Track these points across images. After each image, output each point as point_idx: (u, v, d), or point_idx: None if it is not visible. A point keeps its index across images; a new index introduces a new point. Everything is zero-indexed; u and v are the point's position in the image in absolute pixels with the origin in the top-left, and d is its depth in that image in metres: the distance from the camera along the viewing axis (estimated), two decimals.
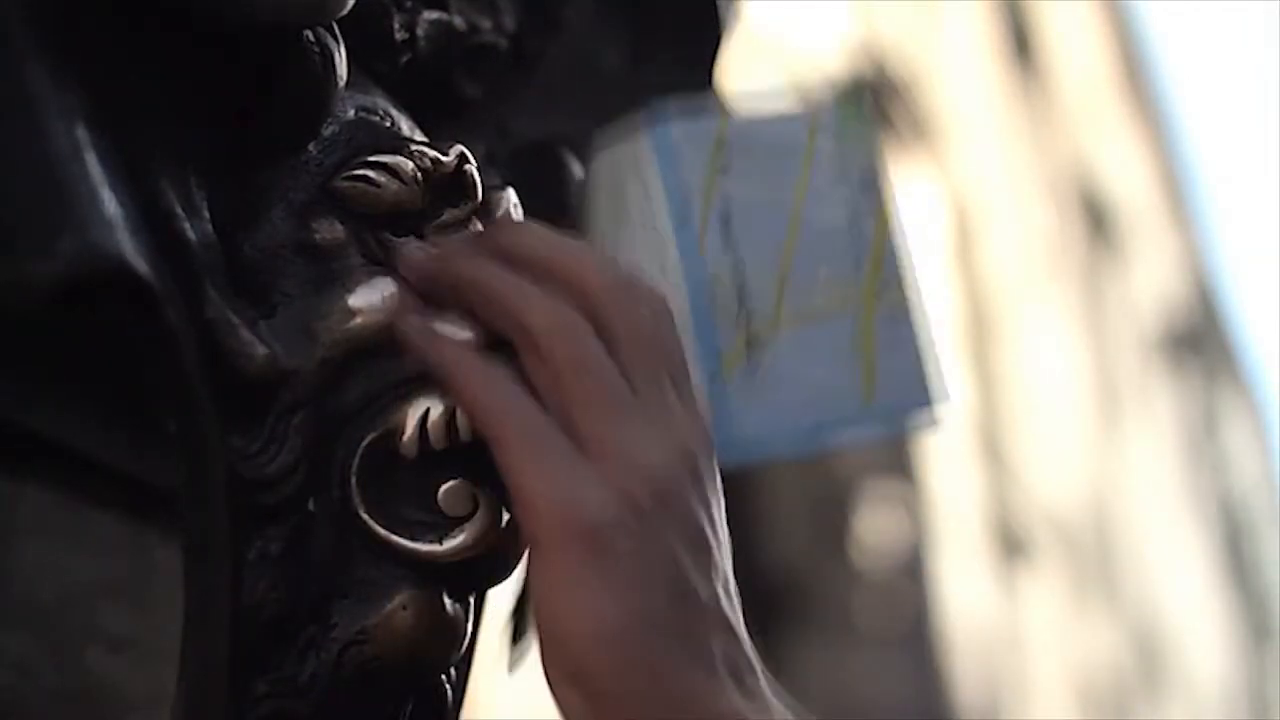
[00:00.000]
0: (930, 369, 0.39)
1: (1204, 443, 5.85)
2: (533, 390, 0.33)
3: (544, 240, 0.35)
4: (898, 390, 0.38)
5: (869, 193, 0.39)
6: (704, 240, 0.37)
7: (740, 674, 0.31)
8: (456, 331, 0.34)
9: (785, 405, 0.37)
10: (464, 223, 0.36)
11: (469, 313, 0.34)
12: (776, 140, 0.39)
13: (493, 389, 0.33)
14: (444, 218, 0.36)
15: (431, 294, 0.34)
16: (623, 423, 0.32)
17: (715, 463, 0.34)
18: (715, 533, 0.32)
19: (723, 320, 0.37)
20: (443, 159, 0.35)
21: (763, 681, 0.32)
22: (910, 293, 0.39)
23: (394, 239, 0.35)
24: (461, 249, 0.35)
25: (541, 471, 0.32)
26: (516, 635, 0.43)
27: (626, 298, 0.33)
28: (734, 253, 0.37)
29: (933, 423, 0.39)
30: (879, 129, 0.39)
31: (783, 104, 0.40)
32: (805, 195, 0.38)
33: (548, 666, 0.32)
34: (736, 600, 0.32)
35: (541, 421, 0.32)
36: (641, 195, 0.38)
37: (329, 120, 0.35)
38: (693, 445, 0.33)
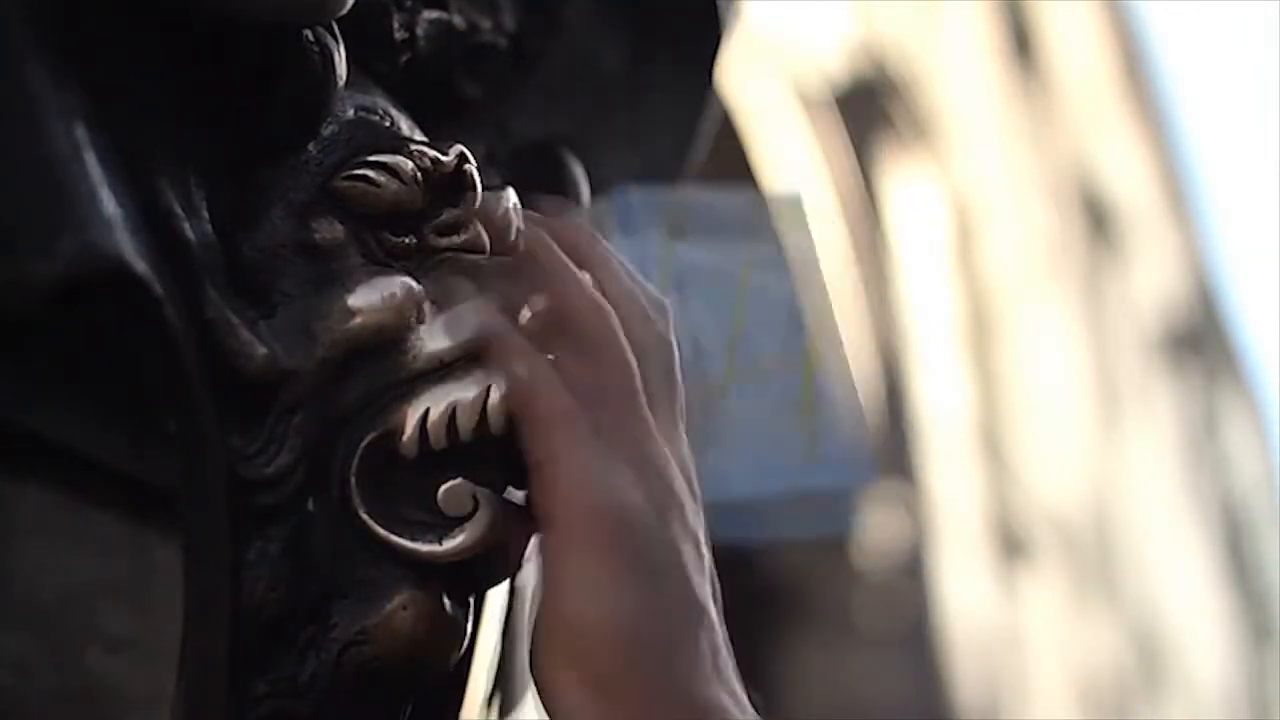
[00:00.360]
0: (864, 440, 0.43)
1: (1204, 443, 5.85)
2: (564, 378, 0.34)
3: (590, 247, 0.36)
4: (838, 452, 0.41)
5: (806, 284, 0.42)
6: None
7: (723, 670, 0.32)
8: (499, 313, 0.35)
9: (734, 453, 0.40)
10: (464, 223, 0.36)
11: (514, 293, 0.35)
12: (727, 217, 0.42)
13: (537, 370, 0.33)
14: (444, 217, 0.36)
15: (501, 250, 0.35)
16: (647, 430, 0.33)
17: (699, 498, 0.35)
18: (707, 548, 0.34)
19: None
20: (442, 159, 0.35)
21: (736, 678, 0.33)
22: (845, 372, 0.42)
23: (394, 238, 0.35)
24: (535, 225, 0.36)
25: (571, 453, 0.32)
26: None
27: (654, 309, 0.35)
28: (687, 314, 0.40)
29: (868, 486, 0.43)
30: (812, 235, 0.43)
31: (732, 194, 0.43)
32: (749, 277, 0.41)
33: (547, 649, 0.32)
34: (719, 615, 0.33)
35: (577, 408, 0.33)
36: None
37: (328, 120, 0.35)
38: (693, 470, 0.34)
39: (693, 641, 0.31)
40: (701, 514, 0.34)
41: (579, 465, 0.32)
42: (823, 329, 0.42)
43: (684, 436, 0.34)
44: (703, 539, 0.33)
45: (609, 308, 0.34)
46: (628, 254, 0.38)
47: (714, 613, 0.33)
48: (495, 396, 0.34)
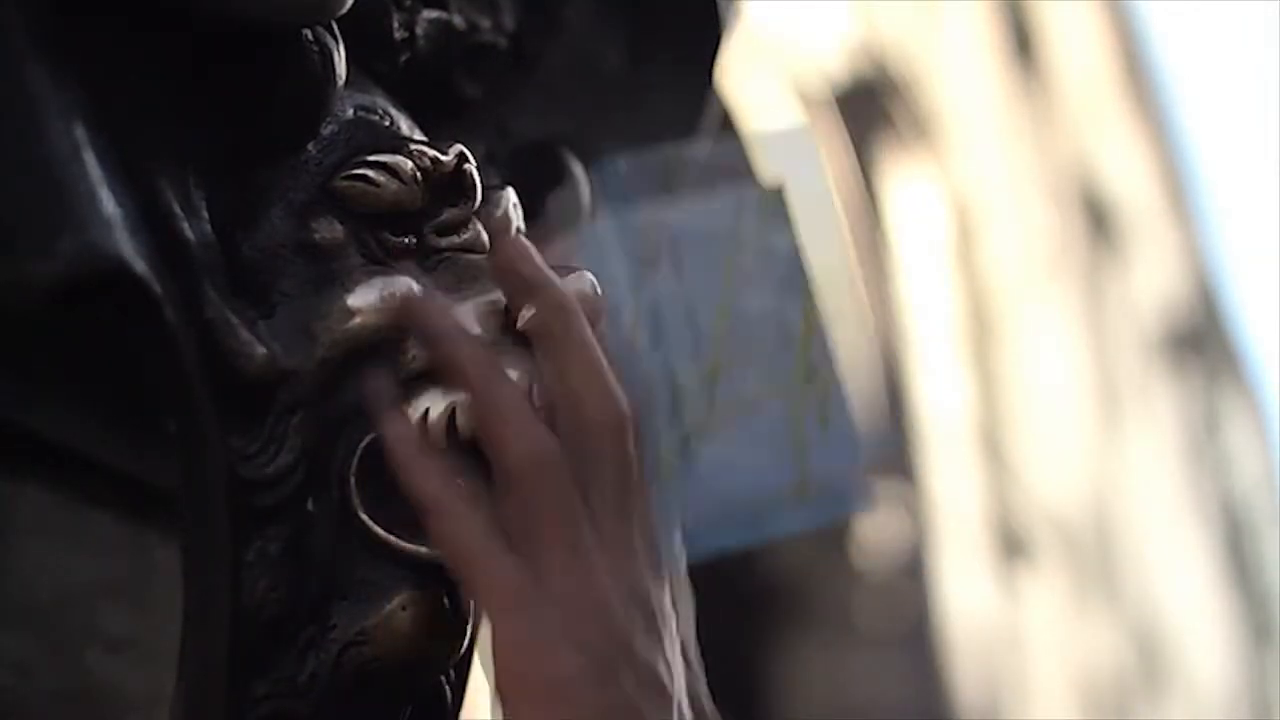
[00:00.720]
0: (860, 460, 0.40)
1: (1205, 443, 5.84)
2: (501, 520, 0.33)
3: (541, 302, 0.35)
4: (830, 479, 0.40)
5: (794, 291, 0.40)
6: (635, 338, 0.39)
7: None
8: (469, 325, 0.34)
9: (720, 502, 0.39)
10: (463, 222, 0.36)
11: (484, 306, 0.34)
12: (702, 235, 0.40)
13: (469, 535, 0.33)
14: (443, 217, 0.36)
15: (431, 355, 0.34)
16: (587, 569, 0.33)
17: (670, 586, 0.34)
18: (670, 667, 0.33)
19: (658, 420, 0.38)
20: (442, 158, 0.35)
21: None
22: (838, 385, 0.40)
23: (393, 238, 0.35)
24: (460, 332, 0.34)
25: (508, 630, 0.33)
26: None
27: (607, 422, 0.34)
28: (664, 351, 0.38)
29: (867, 507, 0.41)
30: (798, 229, 0.41)
31: (710, 201, 0.41)
32: (731, 296, 0.40)
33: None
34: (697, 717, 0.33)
35: (509, 567, 0.33)
36: None
37: (328, 120, 0.35)
38: (648, 583, 0.34)
39: None
40: (668, 630, 0.34)
41: (515, 644, 0.32)
42: (815, 333, 0.40)
43: (646, 550, 0.34)
44: (663, 662, 0.33)
45: (543, 443, 0.33)
46: (615, 225, 0.37)
47: None
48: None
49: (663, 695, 0.33)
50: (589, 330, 0.35)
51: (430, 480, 0.34)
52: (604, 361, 0.34)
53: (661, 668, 0.33)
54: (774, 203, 0.41)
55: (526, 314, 0.34)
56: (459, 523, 0.33)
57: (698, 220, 0.40)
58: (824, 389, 0.40)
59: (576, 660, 0.32)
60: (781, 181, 0.40)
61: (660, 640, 0.33)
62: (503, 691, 0.33)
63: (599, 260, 0.37)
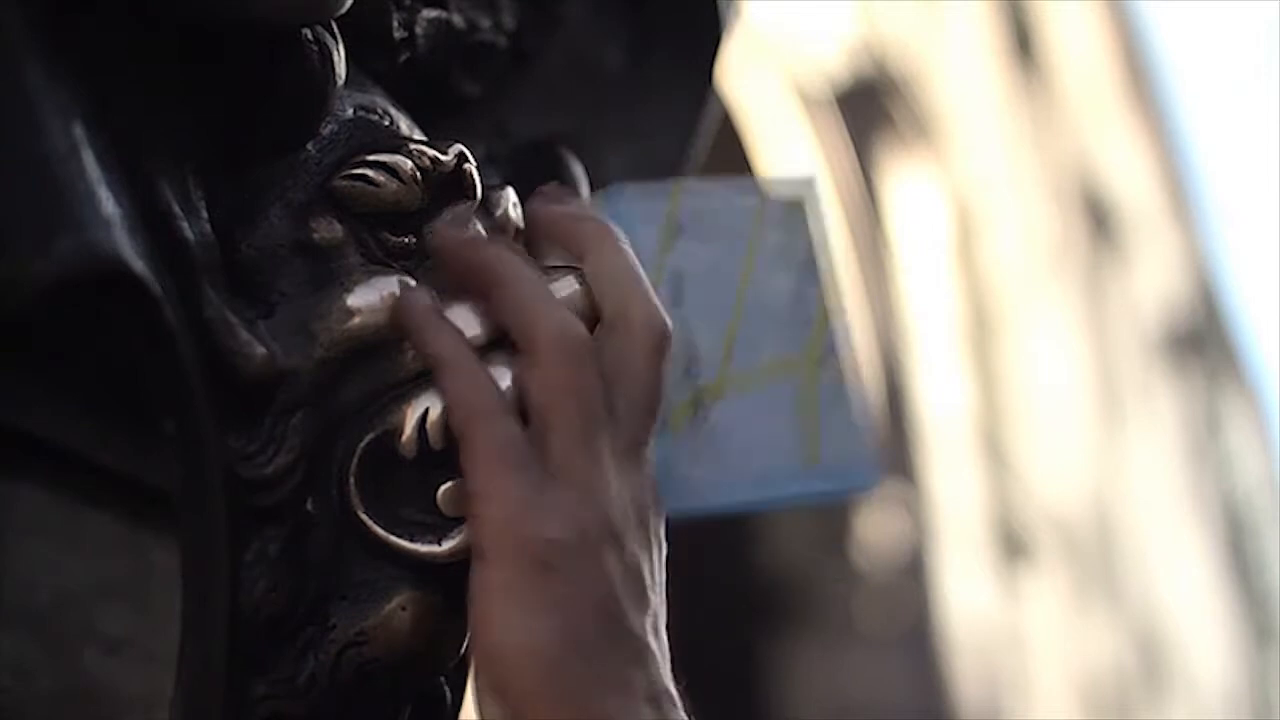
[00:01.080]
0: (869, 441, 0.41)
1: (1206, 443, 5.84)
2: (521, 394, 0.33)
3: (581, 231, 0.35)
4: (839, 455, 0.40)
5: (812, 277, 0.41)
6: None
7: (658, 701, 0.32)
8: (464, 324, 0.34)
9: (729, 461, 0.39)
10: (463, 222, 0.36)
11: (483, 307, 0.34)
12: (730, 213, 0.40)
13: (477, 392, 0.33)
14: (443, 217, 0.35)
15: (457, 276, 0.34)
16: (594, 458, 0.33)
17: (662, 520, 0.34)
18: (653, 580, 0.33)
19: (672, 380, 0.38)
20: (442, 158, 0.35)
21: (678, 709, 0.32)
22: (849, 370, 0.40)
23: (393, 238, 0.35)
24: (489, 243, 0.35)
25: (500, 485, 0.32)
26: None
27: (641, 329, 0.34)
28: (683, 316, 0.38)
29: (871, 490, 0.41)
30: (823, 221, 0.41)
31: (737, 186, 0.41)
32: (751, 274, 0.40)
33: (477, 675, 0.32)
34: (664, 647, 0.33)
35: (516, 436, 0.32)
36: None
37: (327, 119, 0.35)
38: (648, 498, 0.34)
39: (616, 673, 0.31)
40: (659, 552, 0.33)
41: (505, 499, 0.32)
42: (831, 319, 0.40)
43: (644, 461, 0.33)
44: (649, 568, 0.33)
45: (575, 326, 0.33)
46: (641, 192, 0.37)
47: (653, 646, 0.32)
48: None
49: (641, 592, 0.32)
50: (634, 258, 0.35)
51: (441, 337, 0.33)
52: (648, 283, 0.34)
53: (646, 572, 0.33)
54: (802, 194, 0.41)
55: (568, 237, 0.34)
56: (468, 378, 0.33)
57: (727, 200, 0.40)
58: (836, 371, 0.40)
59: (564, 528, 0.31)
60: (811, 176, 0.41)
61: (650, 551, 0.33)
62: (483, 552, 0.32)
63: (627, 223, 0.37)
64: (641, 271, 0.35)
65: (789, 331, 0.40)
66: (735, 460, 0.39)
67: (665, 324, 0.34)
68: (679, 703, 0.32)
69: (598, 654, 0.31)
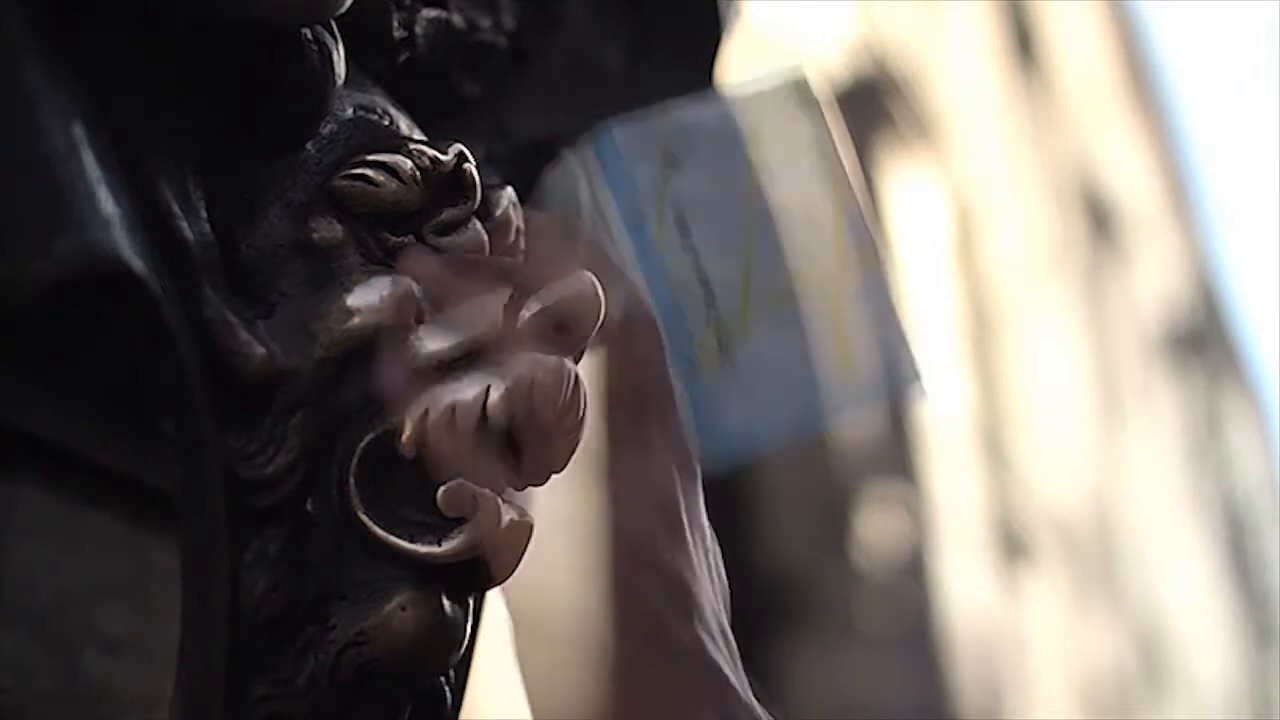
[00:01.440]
0: (907, 342, 0.38)
1: (1207, 443, 5.83)
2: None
3: (542, 262, 0.35)
4: (877, 366, 0.37)
5: (819, 177, 0.38)
6: (662, 243, 0.37)
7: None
8: (434, 343, 0.34)
9: (766, 398, 0.37)
10: (463, 222, 0.36)
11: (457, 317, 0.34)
12: (722, 130, 0.38)
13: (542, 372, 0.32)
14: (443, 217, 0.35)
15: (432, 295, 0.34)
16: (598, 489, 0.32)
17: (698, 485, 0.34)
18: (693, 573, 0.33)
19: (692, 320, 0.37)
20: (441, 158, 0.35)
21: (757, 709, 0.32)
22: (877, 265, 0.38)
23: (393, 238, 0.35)
24: (464, 263, 0.34)
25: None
26: None
27: (618, 330, 0.33)
28: (693, 251, 0.36)
29: (918, 397, 0.39)
30: (821, 107, 0.38)
31: (725, 101, 0.39)
32: (755, 190, 0.37)
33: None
34: (722, 632, 0.32)
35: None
36: (593, 206, 0.38)
37: (327, 119, 0.35)
38: (671, 492, 0.33)
39: (685, 701, 0.31)
40: (698, 535, 0.33)
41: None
42: (847, 216, 0.37)
43: (669, 452, 0.33)
44: (689, 575, 0.32)
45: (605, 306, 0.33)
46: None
47: (710, 652, 0.31)
48: (495, 396, 0.33)
49: (685, 599, 0.31)
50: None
51: (490, 314, 0.33)
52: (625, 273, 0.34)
53: (685, 572, 0.32)
54: (796, 92, 0.38)
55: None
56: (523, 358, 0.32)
57: (717, 117, 0.38)
58: (860, 272, 0.37)
59: (590, 589, 0.31)
60: (802, 71, 0.38)
61: (686, 549, 0.32)
62: (517, 627, 0.32)
63: (619, 166, 0.36)
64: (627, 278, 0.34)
65: (807, 236, 0.37)
66: (771, 398, 0.36)
67: (653, 318, 0.34)
68: (747, 696, 0.31)
69: (657, 690, 0.31)
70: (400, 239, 0.35)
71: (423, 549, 0.34)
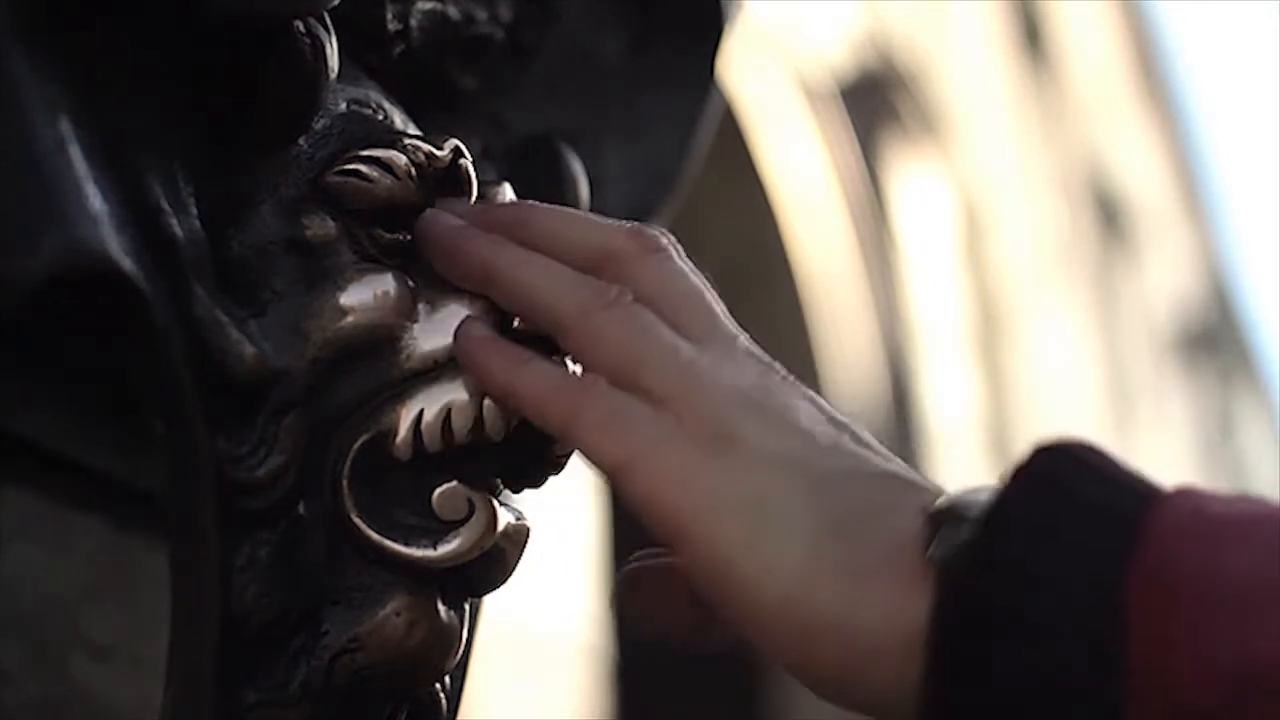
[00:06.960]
0: None
1: (1219, 443, 5.81)
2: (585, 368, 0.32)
3: (551, 215, 0.34)
4: None
5: None
6: None
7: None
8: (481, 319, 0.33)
9: None
10: (447, 208, 0.35)
11: (483, 303, 0.33)
12: None
13: (568, 397, 0.31)
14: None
15: (446, 271, 0.34)
16: (700, 370, 0.31)
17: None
18: (817, 406, 0.31)
19: None
20: (437, 153, 0.34)
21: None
22: None
23: (387, 235, 0.34)
24: (474, 233, 0.34)
25: (648, 472, 0.30)
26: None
27: (650, 254, 0.32)
28: None
29: None
30: None
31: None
32: None
33: (750, 635, 0.31)
34: (855, 428, 0.31)
35: (622, 398, 0.31)
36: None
37: (320, 113, 0.34)
38: (768, 362, 0.32)
39: (864, 524, 0.29)
40: (796, 391, 0.31)
41: (656, 483, 0.30)
42: None
43: (751, 346, 0.31)
44: (814, 406, 0.30)
45: (589, 284, 0.32)
46: None
47: (873, 461, 0.30)
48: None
49: (825, 422, 0.30)
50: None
51: (480, 244, 0.32)
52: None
53: (810, 404, 0.31)
54: None
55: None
56: (556, 399, 0.31)
57: None
58: None
59: (729, 481, 0.30)
60: None
61: (798, 386, 0.31)
62: (673, 541, 0.30)
63: None
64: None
65: None
66: None
67: (673, 242, 0.33)
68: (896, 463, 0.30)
69: (836, 527, 0.29)
70: (395, 235, 0.34)
71: (418, 553, 0.33)
